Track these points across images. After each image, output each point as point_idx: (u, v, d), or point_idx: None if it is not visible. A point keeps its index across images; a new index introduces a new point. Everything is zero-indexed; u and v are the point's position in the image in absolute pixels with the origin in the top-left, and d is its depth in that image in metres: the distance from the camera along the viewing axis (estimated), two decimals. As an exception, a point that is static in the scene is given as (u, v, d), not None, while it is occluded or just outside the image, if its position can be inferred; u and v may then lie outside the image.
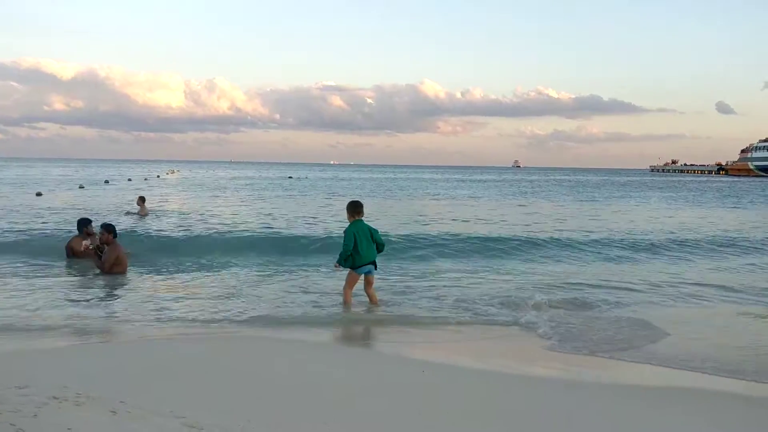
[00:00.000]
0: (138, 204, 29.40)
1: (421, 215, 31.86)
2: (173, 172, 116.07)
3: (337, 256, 11.22)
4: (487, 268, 16.24)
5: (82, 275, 14.12)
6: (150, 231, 21.53)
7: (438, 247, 19.47)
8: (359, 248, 11.01)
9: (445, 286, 13.50)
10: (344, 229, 11.21)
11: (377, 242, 11.27)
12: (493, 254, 18.84)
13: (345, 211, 11.51)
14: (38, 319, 10.02)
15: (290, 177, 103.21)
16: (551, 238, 21.96)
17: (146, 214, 28.37)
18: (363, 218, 11.35)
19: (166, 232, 21.31)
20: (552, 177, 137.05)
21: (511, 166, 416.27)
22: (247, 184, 71.36)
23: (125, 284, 13.23)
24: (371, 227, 11.35)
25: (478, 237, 21.33)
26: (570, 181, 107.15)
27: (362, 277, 11.35)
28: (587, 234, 24.03)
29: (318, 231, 22.46)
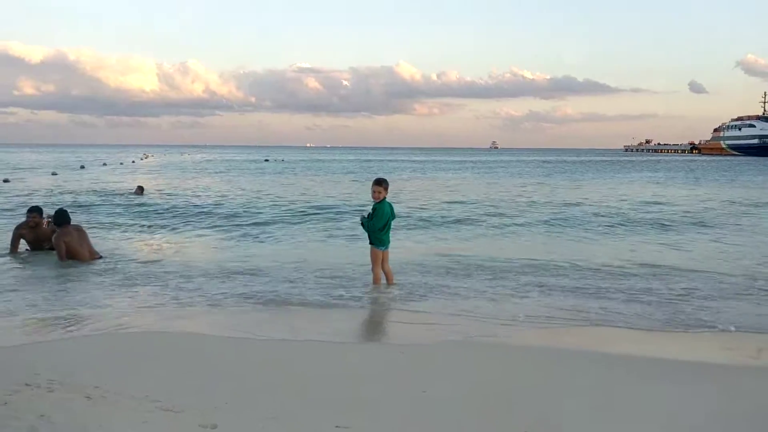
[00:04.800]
0: (137, 193, 31.61)
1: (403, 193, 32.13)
2: (147, 156, 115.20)
3: (362, 220, 11.28)
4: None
5: (46, 264, 13.75)
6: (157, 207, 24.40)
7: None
8: (387, 229, 11.20)
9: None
10: (373, 205, 11.19)
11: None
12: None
13: (371, 187, 11.25)
14: (4, 309, 9.80)
15: (266, 160, 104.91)
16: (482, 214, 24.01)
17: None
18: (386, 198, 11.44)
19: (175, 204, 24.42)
20: (530, 158, 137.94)
21: (489, 147, 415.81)
22: (227, 168, 71.86)
23: (89, 272, 12.76)
24: (391, 206, 11.45)
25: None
26: (547, 163, 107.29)
27: None
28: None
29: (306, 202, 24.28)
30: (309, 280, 11.83)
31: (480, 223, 21.43)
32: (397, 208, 12.80)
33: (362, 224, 11.29)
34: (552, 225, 21.21)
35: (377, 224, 11.09)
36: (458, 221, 21.91)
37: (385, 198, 11.23)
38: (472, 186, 43.22)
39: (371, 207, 11.26)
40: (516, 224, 21.33)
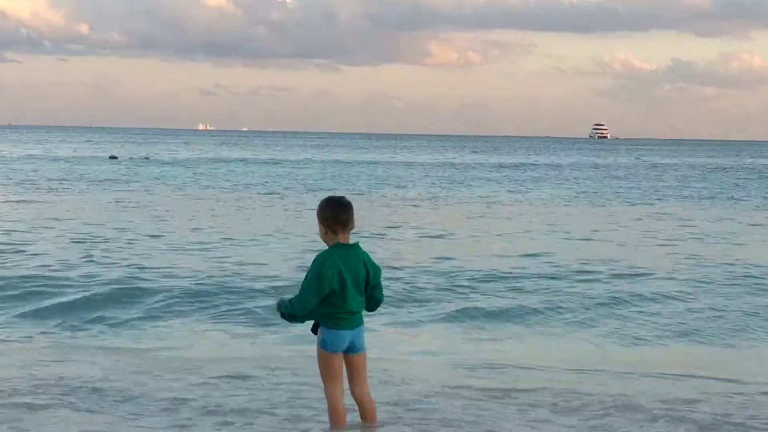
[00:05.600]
0: None
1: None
2: None
3: (282, 301, 5.77)
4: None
5: None
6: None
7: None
8: (343, 297, 5.60)
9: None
10: (314, 257, 5.70)
11: (373, 295, 5.80)
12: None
13: (315, 217, 5.82)
14: None
15: (113, 157, 60.15)
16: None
17: None
18: (351, 240, 5.79)
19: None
20: (679, 160, 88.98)
21: (588, 136, 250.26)
22: (29, 173, 41.85)
23: None
24: (369, 259, 5.77)
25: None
26: (724, 171, 62.96)
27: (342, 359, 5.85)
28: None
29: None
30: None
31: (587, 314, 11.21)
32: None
33: (280, 311, 5.76)
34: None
35: (302, 297, 5.56)
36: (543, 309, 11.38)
37: (341, 242, 5.68)
38: (558, 217, 25.62)
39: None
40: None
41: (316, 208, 5.83)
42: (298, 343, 8.94)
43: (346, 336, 5.65)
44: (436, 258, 16.13)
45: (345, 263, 5.59)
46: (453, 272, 14.39)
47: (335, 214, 5.70)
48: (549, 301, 12.18)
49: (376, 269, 5.76)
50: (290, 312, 5.65)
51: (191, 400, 6.93)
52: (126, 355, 8.87)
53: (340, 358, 5.71)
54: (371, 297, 5.76)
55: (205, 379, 7.65)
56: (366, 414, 5.91)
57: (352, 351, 5.72)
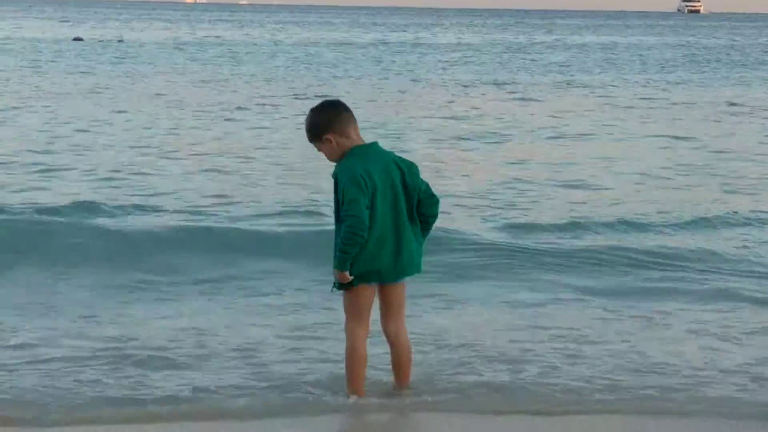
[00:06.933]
0: None
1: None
2: None
3: (341, 251, 4.34)
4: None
5: None
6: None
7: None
8: (375, 216, 4.35)
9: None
10: (333, 173, 4.42)
11: (423, 195, 4.48)
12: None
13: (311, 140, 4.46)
14: None
15: (78, 39, 46.12)
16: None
17: None
18: (364, 141, 4.51)
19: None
20: None
21: (677, 9, 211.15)
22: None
23: None
24: (396, 156, 4.54)
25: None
26: None
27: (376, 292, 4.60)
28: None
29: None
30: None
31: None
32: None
33: (338, 268, 4.37)
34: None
35: (353, 215, 4.23)
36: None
37: (354, 147, 4.39)
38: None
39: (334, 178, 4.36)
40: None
41: (305, 125, 4.47)
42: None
43: (383, 263, 4.40)
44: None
45: (376, 165, 4.32)
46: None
47: (337, 114, 4.42)
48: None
49: (411, 165, 4.46)
50: (351, 242, 4.23)
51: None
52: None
53: (372, 289, 4.49)
54: (425, 198, 4.46)
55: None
56: (401, 357, 4.65)
57: (393, 280, 4.48)
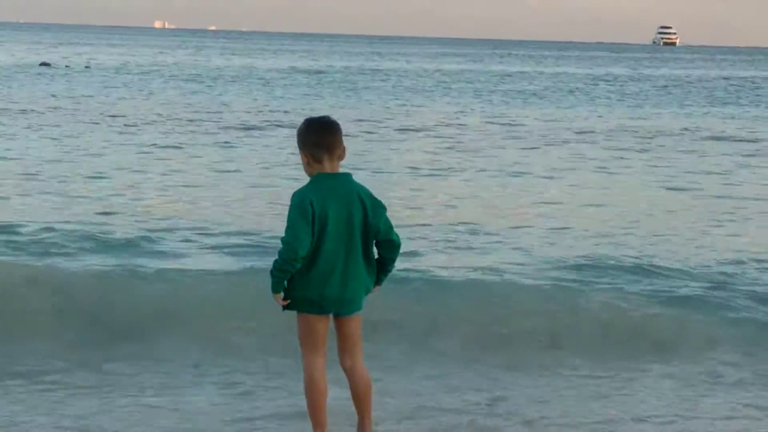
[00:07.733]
0: None
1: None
2: None
3: (271, 274, 4.38)
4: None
5: None
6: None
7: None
8: (333, 258, 4.37)
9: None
10: (291, 197, 4.40)
11: (382, 237, 4.47)
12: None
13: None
14: None
15: (45, 64, 44.97)
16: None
17: None
18: (341, 168, 4.48)
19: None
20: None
21: (651, 41, 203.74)
22: None
23: None
24: (364, 191, 4.45)
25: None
26: None
27: (331, 321, 4.65)
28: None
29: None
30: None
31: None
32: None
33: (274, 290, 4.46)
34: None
35: (287, 240, 4.25)
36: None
37: (320, 174, 4.37)
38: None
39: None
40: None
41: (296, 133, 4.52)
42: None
43: (327, 298, 4.38)
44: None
45: (333, 197, 4.29)
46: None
47: (318, 136, 4.38)
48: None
49: (376, 203, 4.39)
50: (280, 267, 4.26)
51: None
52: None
53: (325, 320, 4.47)
54: (383, 241, 4.42)
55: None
56: (358, 390, 4.58)
57: (342, 313, 4.46)
